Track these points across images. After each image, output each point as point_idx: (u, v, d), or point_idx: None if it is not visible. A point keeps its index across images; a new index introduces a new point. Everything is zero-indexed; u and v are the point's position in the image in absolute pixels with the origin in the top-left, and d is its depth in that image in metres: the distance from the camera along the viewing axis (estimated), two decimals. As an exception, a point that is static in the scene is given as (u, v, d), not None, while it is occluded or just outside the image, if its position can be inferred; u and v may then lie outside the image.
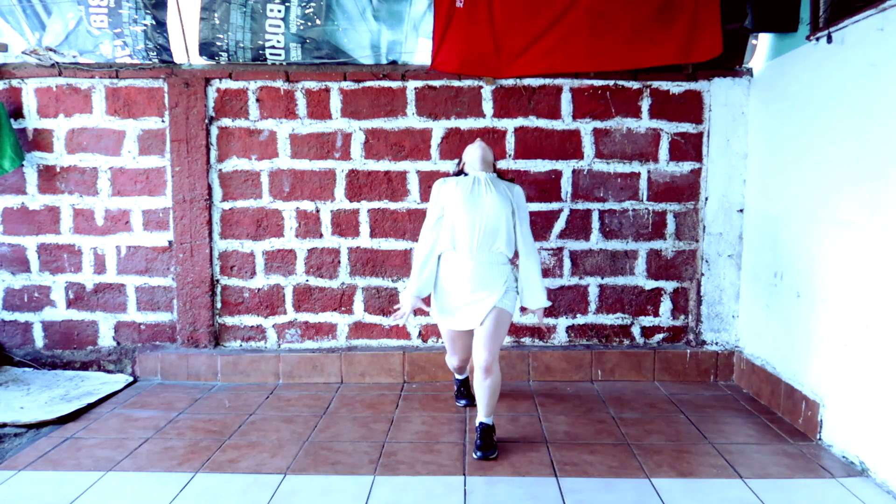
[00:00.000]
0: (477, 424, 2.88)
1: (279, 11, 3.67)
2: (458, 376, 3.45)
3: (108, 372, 3.91)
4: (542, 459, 2.76)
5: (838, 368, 2.82)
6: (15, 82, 3.79)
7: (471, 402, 3.38)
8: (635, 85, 3.76)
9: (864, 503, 2.39)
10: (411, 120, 3.79)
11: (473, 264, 2.89)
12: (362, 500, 2.42)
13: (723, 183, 3.77)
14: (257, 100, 3.80)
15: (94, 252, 3.89)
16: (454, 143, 3.79)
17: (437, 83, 3.77)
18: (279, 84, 3.79)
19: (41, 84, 3.79)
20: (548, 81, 3.77)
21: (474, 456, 2.78)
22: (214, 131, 3.82)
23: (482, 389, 2.84)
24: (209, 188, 3.82)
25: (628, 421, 3.20)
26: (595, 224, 3.85)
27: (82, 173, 3.84)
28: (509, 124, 3.79)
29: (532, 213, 3.84)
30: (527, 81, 3.77)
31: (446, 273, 2.97)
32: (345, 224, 3.87)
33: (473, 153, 2.96)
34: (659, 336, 3.94)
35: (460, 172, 3.03)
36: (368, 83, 3.78)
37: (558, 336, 3.94)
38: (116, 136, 3.82)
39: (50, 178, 3.85)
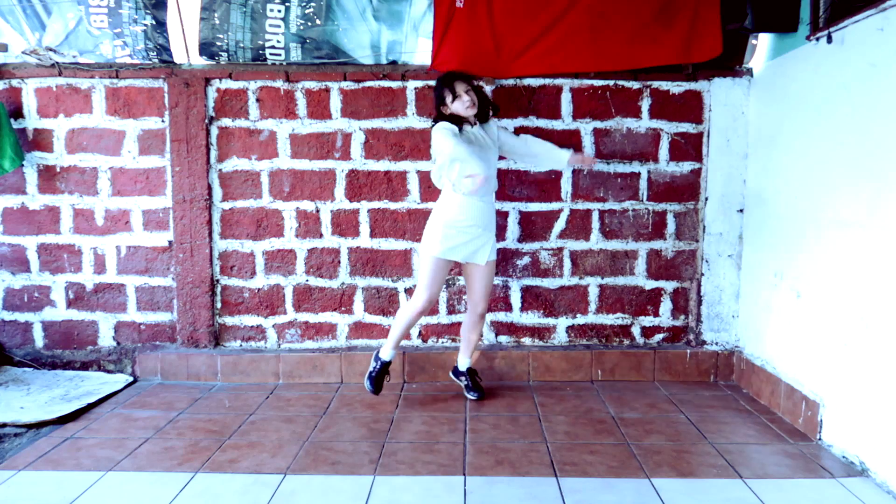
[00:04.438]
0: (467, 370, 3.53)
1: (279, 11, 3.67)
2: (464, 366, 3.55)
3: (108, 372, 3.91)
4: (542, 459, 2.76)
5: (838, 368, 2.82)
6: (15, 82, 3.80)
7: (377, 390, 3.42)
8: (635, 85, 3.76)
9: (864, 503, 2.39)
10: (411, 120, 3.79)
11: (482, 204, 3.30)
12: (362, 500, 2.42)
13: (723, 183, 3.77)
14: (257, 100, 3.80)
15: (94, 252, 3.89)
16: (454, 143, 3.79)
17: (437, 83, 3.77)
18: (279, 84, 3.79)
19: (41, 84, 3.80)
20: (548, 81, 3.77)
21: (470, 396, 3.48)
22: (214, 131, 3.82)
23: (477, 333, 3.49)
24: (209, 188, 3.82)
25: (628, 421, 3.21)
26: (595, 224, 3.85)
27: (82, 173, 3.84)
28: (509, 124, 3.79)
29: (532, 213, 3.85)
30: (527, 81, 3.77)
31: (456, 211, 3.28)
32: (345, 224, 3.87)
33: (471, 111, 3.24)
34: (659, 336, 3.94)
35: (443, 118, 3.26)
36: (368, 83, 3.78)
37: (558, 336, 3.94)
38: (116, 136, 3.82)
39: (50, 178, 3.85)
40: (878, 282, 2.56)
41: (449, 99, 3.20)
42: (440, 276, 3.32)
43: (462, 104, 3.20)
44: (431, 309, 3.73)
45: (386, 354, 3.42)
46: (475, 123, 3.32)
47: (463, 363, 3.56)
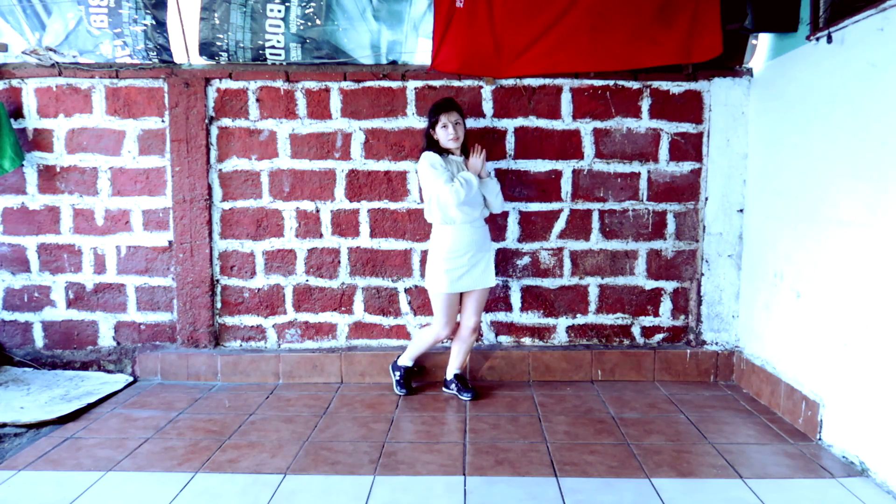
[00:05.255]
0: (454, 376, 3.60)
1: (279, 11, 3.67)
2: (451, 374, 3.64)
3: (108, 372, 3.91)
4: (542, 459, 2.76)
5: (838, 368, 2.83)
6: (15, 82, 3.80)
7: (410, 391, 3.62)
8: (635, 85, 3.76)
9: (864, 503, 2.40)
10: (411, 120, 3.79)
11: (473, 230, 3.40)
12: (362, 500, 2.42)
13: (723, 183, 3.77)
14: (257, 100, 3.80)
15: (94, 252, 3.89)
16: (454, 143, 3.79)
17: (437, 83, 3.77)
18: (279, 84, 3.79)
19: (41, 84, 3.80)
20: (548, 81, 3.77)
21: (464, 397, 3.49)
22: (214, 131, 3.82)
23: (468, 346, 3.58)
24: (209, 188, 3.82)
25: (628, 421, 3.21)
26: (595, 224, 3.85)
27: (82, 173, 3.84)
28: (509, 124, 3.79)
29: (532, 213, 3.85)
30: (527, 81, 3.77)
31: (450, 243, 3.38)
32: (345, 224, 3.87)
33: (453, 143, 3.36)
34: (659, 336, 3.94)
35: (435, 143, 3.41)
36: (368, 83, 3.78)
37: (558, 336, 3.94)
38: (116, 136, 3.82)
39: (50, 178, 3.85)
40: (878, 282, 2.56)
41: (439, 125, 3.33)
42: (454, 307, 3.46)
43: (446, 134, 3.33)
44: (432, 310, 3.74)
45: (405, 362, 3.65)
46: (460, 157, 3.45)
47: (450, 373, 3.65)
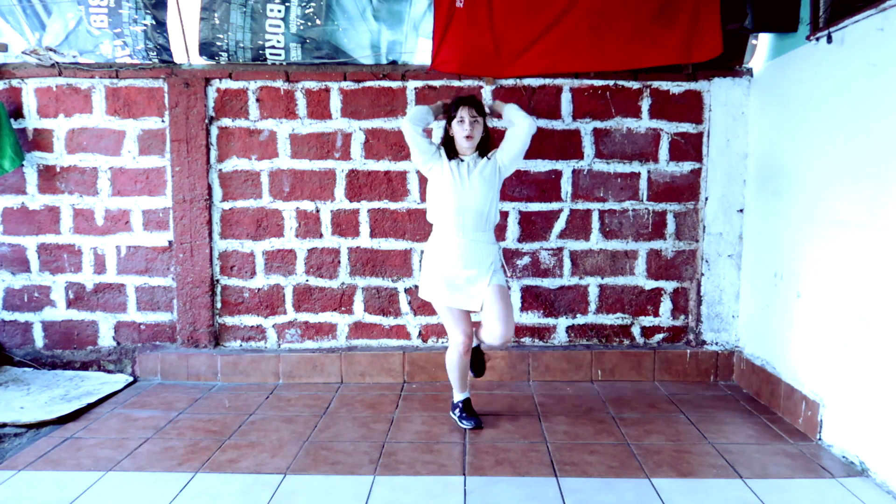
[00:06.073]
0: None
1: (279, 11, 3.67)
2: (463, 395, 3.18)
3: (108, 372, 3.91)
4: (542, 459, 2.76)
5: (838, 368, 2.82)
6: (15, 82, 3.80)
7: (478, 423, 3.14)
8: (635, 85, 3.76)
9: (864, 503, 2.39)
10: (411, 120, 3.79)
11: (464, 242, 3.02)
12: (362, 500, 2.42)
13: (723, 183, 3.77)
14: (257, 100, 3.80)
15: (94, 252, 3.89)
16: (454, 143, 3.79)
17: (437, 83, 3.77)
18: (279, 84, 3.79)
19: (41, 84, 3.80)
20: (548, 81, 3.77)
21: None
22: (214, 131, 3.82)
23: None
24: (209, 188, 3.82)
25: (628, 421, 3.21)
26: (595, 224, 3.85)
27: (82, 173, 3.84)
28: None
29: (532, 213, 3.85)
30: (527, 81, 3.77)
31: (438, 250, 3.08)
32: (345, 224, 3.87)
33: (466, 142, 3.02)
34: (659, 336, 3.94)
35: (449, 140, 3.11)
36: (368, 83, 3.78)
37: (558, 336, 3.94)
38: (116, 136, 3.82)
39: (50, 178, 3.85)
40: (878, 282, 2.56)
41: (456, 119, 3.03)
42: (459, 314, 3.06)
43: (461, 129, 3.00)
44: (432, 310, 3.74)
45: (459, 397, 3.16)
46: (474, 156, 3.09)
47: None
